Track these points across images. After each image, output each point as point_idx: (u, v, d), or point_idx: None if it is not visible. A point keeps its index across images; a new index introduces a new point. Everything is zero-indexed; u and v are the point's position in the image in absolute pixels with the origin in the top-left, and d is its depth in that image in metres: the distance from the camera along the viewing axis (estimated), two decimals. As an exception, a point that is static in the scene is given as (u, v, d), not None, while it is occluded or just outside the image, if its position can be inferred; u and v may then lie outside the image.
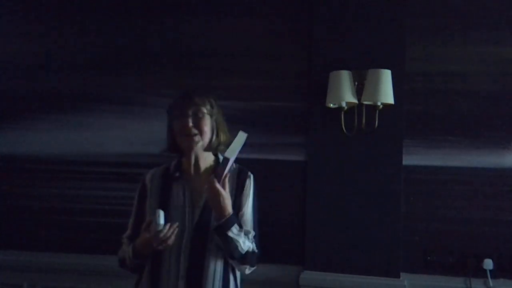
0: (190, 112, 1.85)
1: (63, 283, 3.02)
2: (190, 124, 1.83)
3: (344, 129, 2.73)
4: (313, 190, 2.82)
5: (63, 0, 3.24)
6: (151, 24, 3.12)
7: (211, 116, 1.89)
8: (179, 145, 1.89)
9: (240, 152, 1.77)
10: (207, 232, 1.81)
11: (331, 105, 2.75)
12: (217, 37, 3.03)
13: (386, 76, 2.64)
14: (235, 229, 1.79)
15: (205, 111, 1.86)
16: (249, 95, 2.98)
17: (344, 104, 2.70)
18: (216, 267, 1.83)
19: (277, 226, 2.88)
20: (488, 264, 2.66)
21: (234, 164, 1.91)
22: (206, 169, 1.92)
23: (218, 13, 3.05)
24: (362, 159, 2.75)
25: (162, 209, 1.76)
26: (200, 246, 1.81)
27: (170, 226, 1.73)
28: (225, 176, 1.76)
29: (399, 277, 2.69)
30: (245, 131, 1.81)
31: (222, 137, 1.93)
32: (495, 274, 2.67)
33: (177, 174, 1.90)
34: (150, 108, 3.05)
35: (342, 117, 2.73)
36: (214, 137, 1.91)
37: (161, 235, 1.72)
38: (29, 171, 3.19)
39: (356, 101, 2.70)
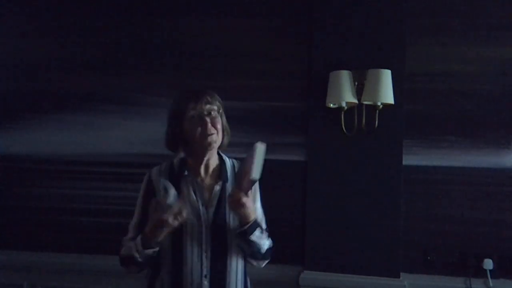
0: (206, 111, 1.82)
1: (63, 283, 3.02)
2: (210, 124, 1.80)
3: (344, 129, 2.73)
4: (313, 190, 2.82)
5: (63, 0, 3.24)
6: (151, 24, 3.12)
7: (221, 114, 1.88)
8: (193, 144, 1.83)
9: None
10: (226, 232, 1.81)
11: (331, 105, 2.75)
12: (217, 37, 3.04)
13: (386, 76, 2.64)
14: (257, 232, 1.81)
15: (217, 109, 1.85)
16: (249, 95, 2.98)
17: (344, 104, 2.70)
18: (238, 266, 1.85)
19: (277, 226, 2.85)
20: (488, 264, 2.66)
21: (235, 161, 1.94)
22: (214, 169, 1.89)
23: (218, 13, 3.05)
24: (362, 159, 2.75)
25: None
26: (221, 245, 1.80)
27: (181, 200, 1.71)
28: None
29: (399, 277, 2.69)
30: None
31: (228, 135, 1.92)
32: (495, 274, 2.67)
33: (186, 173, 1.85)
34: (150, 108, 3.05)
35: (342, 117, 2.73)
36: (225, 135, 1.89)
37: (175, 208, 1.67)
38: (29, 171, 3.19)
39: (356, 101, 2.70)
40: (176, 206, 1.68)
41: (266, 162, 2.88)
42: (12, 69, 3.26)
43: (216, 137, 1.83)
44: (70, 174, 3.14)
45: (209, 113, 1.82)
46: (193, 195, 1.82)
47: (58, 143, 3.15)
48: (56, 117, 3.17)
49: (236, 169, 1.91)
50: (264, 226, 1.93)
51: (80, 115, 3.14)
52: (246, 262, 1.91)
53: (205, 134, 1.79)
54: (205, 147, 1.81)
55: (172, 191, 1.70)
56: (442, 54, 2.80)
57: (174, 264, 1.79)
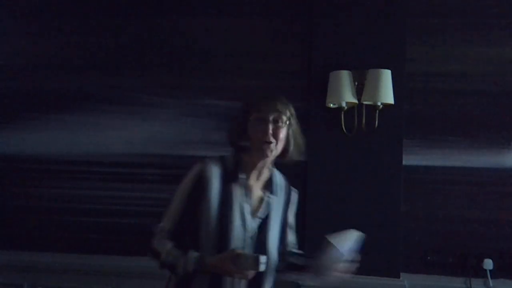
0: (271, 118, 1.74)
1: (63, 283, 3.01)
2: (270, 131, 1.72)
3: (344, 129, 2.73)
4: (313, 190, 2.81)
5: (63, 0, 3.24)
6: (151, 24, 3.12)
7: (289, 125, 1.80)
8: (252, 147, 1.75)
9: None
10: (266, 244, 1.76)
11: (331, 105, 2.75)
12: (217, 37, 3.03)
13: (386, 76, 2.64)
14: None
15: (285, 119, 1.76)
16: (249, 95, 2.97)
17: (344, 104, 2.70)
18: (271, 279, 1.82)
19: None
20: (488, 264, 2.66)
21: (282, 178, 1.91)
22: (264, 178, 1.83)
23: (218, 13, 3.05)
24: (362, 159, 2.75)
25: (223, 212, 1.71)
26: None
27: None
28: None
29: (399, 277, 2.69)
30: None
31: (295, 149, 1.86)
32: (495, 274, 2.67)
33: (242, 176, 1.76)
34: (150, 108, 3.05)
35: (342, 117, 2.73)
36: (290, 147, 1.82)
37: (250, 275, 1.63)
38: (29, 171, 3.19)
39: (356, 101, 2.70)
40: (257, 260, 1.60)
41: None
42: (12, 69, 3.25)
43: (274, 147, 1.74)
44: (70, 174, 3.14)
45: (276, 121, 1.74)
46: (244, 200, 1.76)
47: (58, 143, 3.15)
48: (56, 117, 3.17)
49: (280, 186, 1.87)
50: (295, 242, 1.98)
51: (80, 115, 3.13)
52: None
53: (263, 140, 1.72)
54: (262, 156, 1.74)
55: (264, 260, 1.61)
56: (442, 54, 2.80)
57: (214, 274, 1.71)
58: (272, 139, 1.73)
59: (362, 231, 2.73)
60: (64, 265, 3.03)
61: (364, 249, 2.73)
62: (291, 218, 1.93)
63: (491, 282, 2.65)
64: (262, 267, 1.59)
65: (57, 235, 3.11)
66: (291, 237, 1.96)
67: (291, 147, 1.82)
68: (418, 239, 2.76)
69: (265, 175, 1.83)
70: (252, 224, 1.75)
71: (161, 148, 3.03)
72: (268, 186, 1.82)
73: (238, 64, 3.00)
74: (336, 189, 2.78)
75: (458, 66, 2.78)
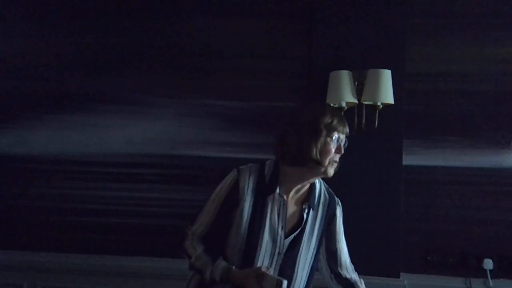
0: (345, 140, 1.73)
1: (63, 283, 3.01)
2: (342, 151, 1.71)
3: (344, 129, 2.73)
4: (313, 190, 2.81)
5: (63, 0, 3.24)
6: (151, 24, 3.11)
7: None
8: (310, 163, 1.67)
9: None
10: (295, 263, 1.74)
11: (331, 105, 2.74)
12: (217, 37, 3.03)
13: (386, 76, 2.64)
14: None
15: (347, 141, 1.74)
16: (249, 95, 2.98)
17: (344, 104, 2.70)
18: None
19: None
20: (488, 264, 2.66)
21: (324, 190, 1.85)
22: (303, 192, 1.79)
23: (218, 13, 3.05)
24: (362, 159, 2.74)
25: (254, 225, 1.69)
26: (288, 273, 1.72)
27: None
28: None
29: (399, 277, 2.69)
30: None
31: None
32: (495, 274, 2.67)
33: (279, 190, 1.72)
34: (150, 108, 3.05)
35: (342, 117, 2.72)
36: None
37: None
38: (29, 171, 3.19)
39: (356, 101, 2.70)
40: (281, 284, 1.58)
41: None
42: (12, 69, 3.25)
43: (336, 166, 1.74)
44: (70, 174, 3.14)
45: (345, 142, 1.73)
46: (276, 216, 1.71)
47: (58, 143, 3.15)
48: (56, 117, 3.16)
49: (322, 199, 1.82)
50: (353, 268, 1.96)
51: (80, 115, 3.13)
52: None
53: (334, 160, 1.70)
54: (323, 174, 1.71)
55: (285, 286, 1.58)
56: (442, 54, 2.80)
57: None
58: (338, 159, 1.71)
59: (362, 231, 2.74)
60: (64, 265, 3.02)
61: (364, 249, 2.74)
62: (339, 236, 1.87)
63: (491, 282, 2.65)
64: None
65: (57, 235, 3.11)
66: (345, 257, 1.90)
67: None
68: (418, 239, 2.76)
69: (305, 188, 1.78)
70: (283, 240, 1.71)
71: (161, 148, 3.03)
72: (307, 200, 1.77)
73: (238, 64, 3.00)
74: (336, 189, 2.77)
75: (458, 66, 2.78)
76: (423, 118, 2.80)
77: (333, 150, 1.68)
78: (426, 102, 2.80)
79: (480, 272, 2.67)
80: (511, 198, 2.71)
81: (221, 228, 1.73)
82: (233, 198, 1.71)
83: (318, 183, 1.82)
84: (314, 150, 1.66)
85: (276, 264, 1.70)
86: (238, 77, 2.99)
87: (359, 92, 2.71)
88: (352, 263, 1.93)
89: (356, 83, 2.72)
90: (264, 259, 1.69)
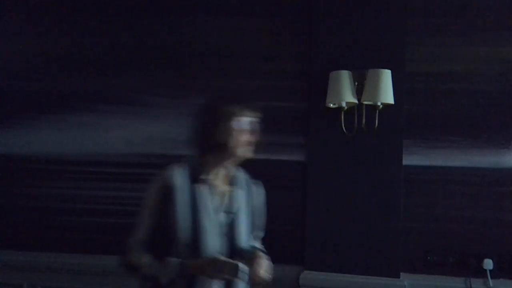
0: (255, 122, 1.84)
1: (63, 283, 3.02)
2: (255, 132, 1.83)
3: (344, 129, 2.73)
4: (313, 190, 2.82)
5: (63, 0, 3.24)
6: (151, 24, 3.12)
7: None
8: (228, 148, 1.79)
9: None
10: (240, 236, 1.83)
11: (331, 105, 2.75)
12: (217, 37, 3.04)
13: (386, 76, 2.64)
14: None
15: (259, 123, 1.86)
16: (249, 95, 2.97)
17: (344, 104, 2.70)
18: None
19: (277, 226, 2.87)
20: (488, 264, 2.66)
21: (244, 173, 1.95)
22: (229, 176, 1.90)
23: (218, 13, 3.05)
24: (362, 159, 2.75)
25: (193, 214, 1.76)
26: (235, 248, 1.81)
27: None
28: None
29: (399, 277, 2.69)
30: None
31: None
32: (495, 274, 2.67)
33: (209, 177, 1.82)
34: (150, 108, 3.05)
35: (342, 117, 2.73)
36: None
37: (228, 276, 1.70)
38: (29, 171, 3.19)
39: (356, 101, 2.70)
40: (237, 268, 1.66)
41: (266, 162, 2.91)
42: (12, 69, 3.26)
43: (253, 149, 1.84)
44: (70, 174, 3.14)
45: (256, 125, 1.84)
46: (210, 199, 1.81)
47: (58, 143, 3.15)
48: (56, 117, 3.17)
49: (245, 181, 1.93)
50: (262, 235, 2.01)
51: (80, 115, 3.14)
52: None
53: (250, 144, 1.80)
54: (243, 156, 1.82)
55: (246, 272, 1.67)
56: (442, 54, 2.79)
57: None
58: (253, 140, 1.82)
59: (362, 231, 2.74)
60: (64, 265, 3.03)
61: (364, 249, 2.75)
62: (261, 208, 1.98)
63: (491, 282, 2.65)
64: (241, 275, 1.65)
65: (57, 235, 3.12)
66: (262, 222, 2.01)
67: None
68: (418, 239, 2.76)
69: (229, 172, 1.89)
70: (223, 220, 1.82)
71: (161, 148, 3.03)
72: (233, 181, 1.89)
73: (238, 64, 3.00)
74: (336, 189, 2.78)
75: (458, 66, 2.78)
76: (423, 118, 2.79)
77: (244, 133, 1.79)
78: (426, 102, 2.80)
79: (480, 272, 2.67)
80: (511, 198, 2.71)
81: (162, 231, 1.78)
82: (166, 198, 1.78)
83: (237, 167, 1.92)
84: (219, 136, 1.78)
85: (223, 241, 1.79)
86: (238, 77, 2.99)
87: (359, 92, 2.71)
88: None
89: (356, 83, 2.72)
90: (212, 244, 1.76)
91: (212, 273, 1.69)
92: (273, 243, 2.86)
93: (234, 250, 1.80)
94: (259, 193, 1.98)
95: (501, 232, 2.70)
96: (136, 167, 3.05)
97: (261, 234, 2.01)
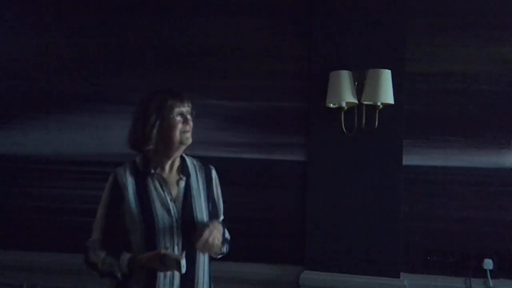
0: (187, 111, 1.90)
1: (63, 283, 3.02)
2: (190, 121, 1.89)
3: (344, 129, 2.73)
4: (313, 190, 2.82)
5: (63, 0, 3.24)
6: (151, 24, 3.12)
7: (193, 115, 1.94)
8: (167, 141, 1.87)
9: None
10: (194, 225, 1.86)
11: (331, 105, 2.75)
12: (217, 36, 3.03)
13: (386, 76, 2.64)
14: (226, 233, 1.96)
15: (191, 110, 1.92)
16: (249, 95, 2.98)
17: (344, 104, 2.70)
18: (204, 259, 1.92)
19: (277, 226, 2.89)
20: (488, 264, 2.66)
21: (193, 159, 2.02)
22: (177, 165, 1.96)
23: (217, 13, 3.05)
24: (362, 159, 2.75)
25: (144, 207, 1.84)
26: (190, 238, 1.84)
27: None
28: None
29: (399, 277, 2.69)
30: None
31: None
32: (495, 274, 2.67)
33: (156, 171, 1.90)
34: (150, 108, 3.05)
35: (342, 117, 2.73)
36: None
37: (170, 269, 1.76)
38: (29, 171, 3.19)
39: (356, 101, 2.70)
40: (179, 263, 1.71)
41: (266, 162, 2.91)
42: (12, 69, 3.25)
43: (190, 136, 1.90)
44: (70, 174, 3.14)
45: (189, 113, 1.90)
46: (161, 191, 1.88)
47: (58, 143, 3.15)
48: (56, 117, 3.17)
49: (196, 167, 1.99)
50: (222, 217, 2.05)
51: (80, 115, 3.13)
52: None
53: (186, 131, 1.87)
54: (183, 144, 1.88)
55: (184, 263, 1.72)
56: (442, 54, 2.80)
57: None
58: (189, 128, 1.89)
59: (362, 231, 2.75)
60: (64, 265, 3.03)
61: (364, 249, 2.75)
62: (217, 192, 2.04)
63: (491, 282, 2.65)
64: (183, 270, 1.71)
65: (57, 235, 3.12)
66: (219, 207, 2.06)
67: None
68: (418, 239, 2.76)
69: (177, 162, 1.95)
70: (175, 209, 1.87)
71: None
72: (183, 170, 1.94)
73: (238, 64, 3.00)
74: (336, 189, 2.78)
75: (458, 66, 2.78)
76: (423, 118, 2.80)
77: (178, 124, 1.86)
78: (426, 102, 2.80)
79: (480, 272, 2.67)
80: (511, 198, 2.71)
81: (117, 227, 1.87)
82: (117, 195, 1.87)
83: (185, 156, 1.99)
84: (155, 131, 1.85)
85: (177, 231, 1.85)
86: (238, 77, 2.99)
87: (359, 92, 2.71)
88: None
89: (356, 83, 2.73)
90: (165, 231, 1.83)
91: (157, 266, 1.76)
92: (273, 243, 2.88)
93: (188, 234, 1.83)
94: (211, 177, 2.02)
95: (501, 232, 2.70)
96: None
97: (220, 217, 2.05)
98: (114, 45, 3.15)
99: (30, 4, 3.26)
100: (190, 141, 1.89)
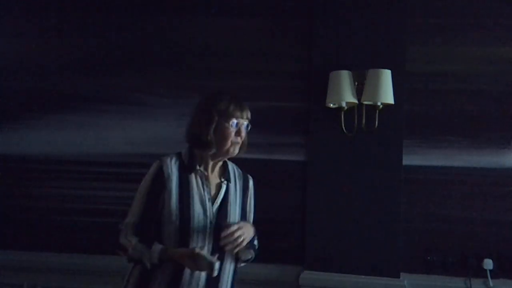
0: (245, 124, 1.91)
1: (63, 283, 3.02)
2: (243, 134, 1.90)
3: (344, 129, 2.73)
4: (313, 190, 2.82)
5: (63, 0, 3.24)
6: (151, 24, 3.12)
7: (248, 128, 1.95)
8: (218, 146, 1.87)
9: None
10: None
11: (331, 105, 2.75)
12: (217, 37, 3.04)
13: (386, 76, 2.64)
14: (255, 240, 1.97)
15: (249, 124, 1.93)
16: (249, 95, 2.96)
17: (344, 104, 2.70)
18: (231, 263, 1.92)
19: (277, 226, 2.88)
20: (488, 264, 2.66)
21: (235, 166, 2.02)
22: (219, 168, 1.96)
23: (218, 13, 3.05)
24: (362, 159, 2.75)
25: (183, 201, 1.83)
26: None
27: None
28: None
29: (399, 277, 2.69)
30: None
31: (245, 148, 1.98)
32: (495, 274, 2.67)
33: (200, 167, 1.90)
34: (150, 108, 3.05)
35: (342, 117, 2.73)
36: (243, 147, 1.95)
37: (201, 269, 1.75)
38: (29, 171, 3.19)
39: (356, 101, 2.70)
40: (212, 266, 1.70)
41: (266, 162, 2.91)
42: (12, 69, 3.25)
43: (238, 148, 1.91)
44: (70, 174, 3.14)
45: (245, 126, 1.92)
46: (202, 189, 1.88)
47: (58, 143, 3.15)
48: (56, 117, 3.17)
49: (236, 174, 2.00)
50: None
51: (80, 115, 3.14)
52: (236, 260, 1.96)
53: (235, 141, 1.88)
54: (227, 154, 1.89)
55: (217, 266, 1.71)
56: (442, 54, 2.80)
57: None
58: (240, 140, 1.89)
59: (362, 231, 2.74)
60: (64, 265, 3.03)
61: (364, 249, 2.75)
62: (250, 202, 2.04)
63: (491, 282, 2.65)
64: (215, 273, 1.70)
65: (57, 235, 3.11)
66: (250, 217, 2.05)
67: (244, 146, 1.95)
68: (418, 239, 2.76)
69: (219, 165, 1.96)
70: (212, 209, 1.87)
71: (161, 148, 3.02)
72: (224, 174, 1.95)
73: (238, 64, 3.00)
74: (336, 189, 2.78)
75: (458, 66, 2.78)
76: (423, 118, 2.80)
77: (232, 133, 1.86)
78: (426, 102, 2.80)
79: (480, 272, 2.67)
80: (511, 198, 2.71)
81: (153, 215, 1.85)
82: (159, 183, 1.86)
83: (228, 161, 1.99)
84: (210, 135, 1.85)
85: (210, 231, 1.84)
86: (238, 77, 2.99)
87: (359, 92, 2.71)
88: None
89: (356, 83, 2.73)
90: (198, 229, 1.83)
91: (188, 264, 1.75)
92: (273, 243, 2.88)
93: (219, 237, 1.82)
94: (248, 186, 2.03)
95: (501, 232, 2.70)
96: (136, 167, 3.03)
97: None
98: (114, 45, 3.15)
99: (31, 4, 3.26)
100: (236, 153, 1.90)
